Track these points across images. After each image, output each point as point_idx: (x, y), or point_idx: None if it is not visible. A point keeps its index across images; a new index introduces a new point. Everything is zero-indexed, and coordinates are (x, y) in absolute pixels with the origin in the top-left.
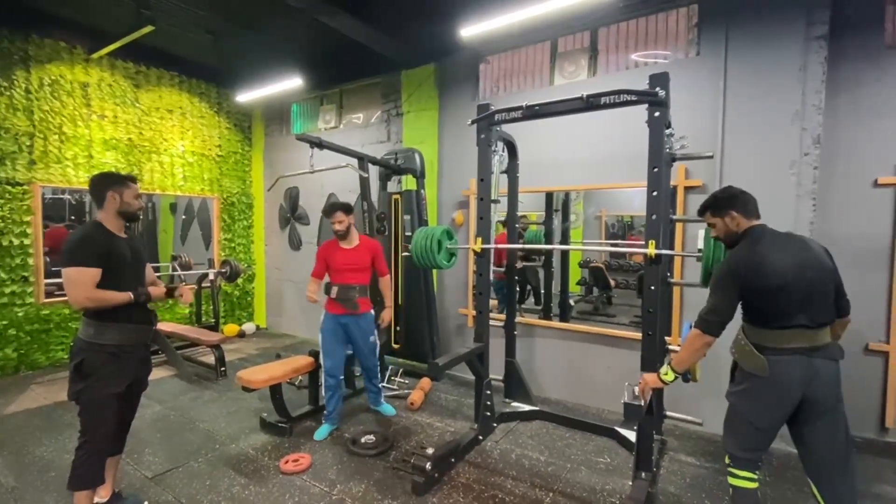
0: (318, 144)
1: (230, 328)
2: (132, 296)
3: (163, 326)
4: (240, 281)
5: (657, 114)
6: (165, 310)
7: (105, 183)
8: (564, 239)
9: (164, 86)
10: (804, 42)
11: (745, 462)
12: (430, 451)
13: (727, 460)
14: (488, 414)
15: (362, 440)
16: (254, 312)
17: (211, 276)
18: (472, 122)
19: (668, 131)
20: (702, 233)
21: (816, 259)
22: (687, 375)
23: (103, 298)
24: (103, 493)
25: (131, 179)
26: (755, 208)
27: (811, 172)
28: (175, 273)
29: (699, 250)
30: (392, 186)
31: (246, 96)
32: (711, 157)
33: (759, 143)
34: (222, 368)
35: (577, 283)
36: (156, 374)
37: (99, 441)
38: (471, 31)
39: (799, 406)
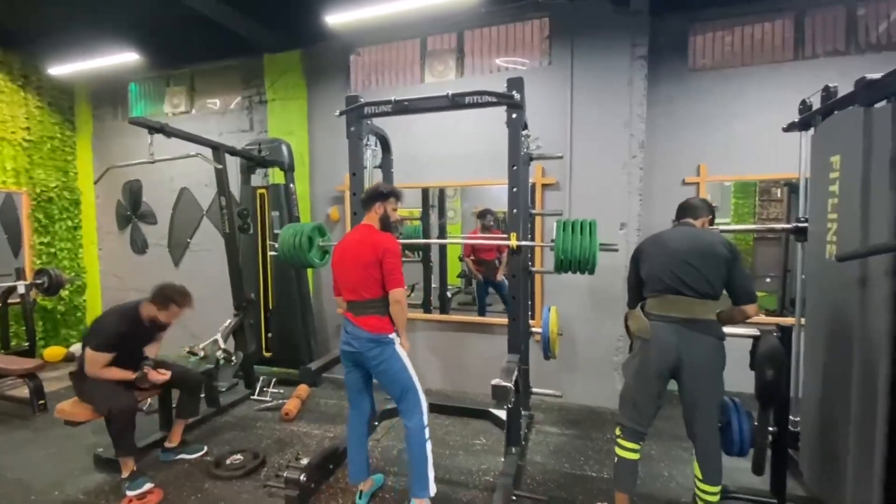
0: (160, 130)
1: (53, 351)
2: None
3: None
4: (65, 293)
5: (514, 115)
6: None
7: None
8: (441, 234)
9: None
10: (630, 60)
11: (632, 432)
12: (304, 461)
13: (618, 431)
14: None
15: (227, 461)
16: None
17: (21, 290)
18: (340, 114)
19: (524, 132)
20: (555, 225)
21: (702, 242)
22: (548, 353)
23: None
24: None
25: None
26: (682, 211)
27: (638, 172)
28: None
29: (552, 241)
30: (257, 180)
31: (64, 69)
32: (561, 157)
33: (599, 146)
34: (40, 402)
35: (458, 276)
36: None
37: None
38: (337, 18)
39: (678, 370)
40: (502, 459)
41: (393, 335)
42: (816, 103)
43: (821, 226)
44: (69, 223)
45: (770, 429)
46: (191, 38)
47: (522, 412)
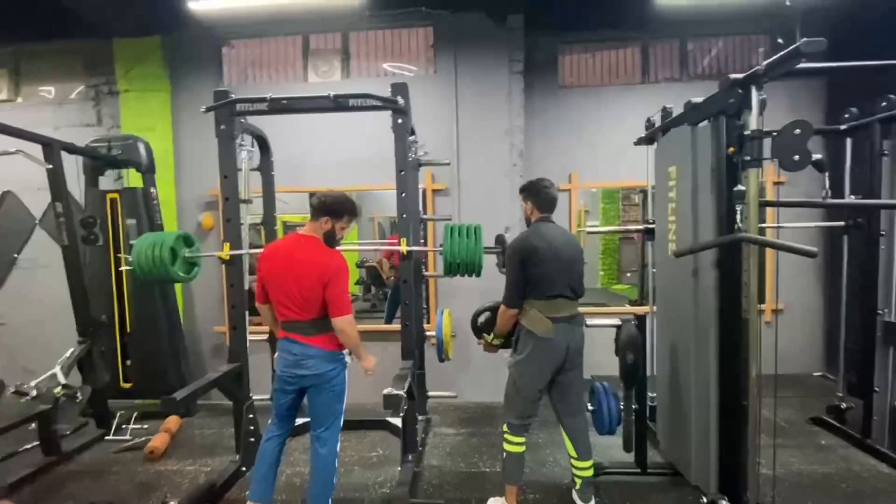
0: None
1: None
2: None
3: None
4: None
5: (400, 121)
6: None
7: None
8: None
9: None
10: (509, 74)
11: (519, 428)
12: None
13: (505, 428)
14: (252, 440)
15: None
16: None
17: None
18: (207, 110)
19: (412, 138)
20: (444, 230)
21: (575, 247)
22: (442, 356)
23: None
24: None
25: None
26: (549, 206)
27: (518, 179)
28: None
29: (440, 245)
30: (108, 184)
31: None
32: (448, 164)
33: (483, 154)
34: None
35: (356, 283)
36: None
37: None
38: (202, 5)
39: (563, 361)
40: (399, 469)
41: (345, 352)
42: (659, 121)
43: (664, 226)
44: None
45: (633, 406)
46: (16, 11)
47: (419, 417)
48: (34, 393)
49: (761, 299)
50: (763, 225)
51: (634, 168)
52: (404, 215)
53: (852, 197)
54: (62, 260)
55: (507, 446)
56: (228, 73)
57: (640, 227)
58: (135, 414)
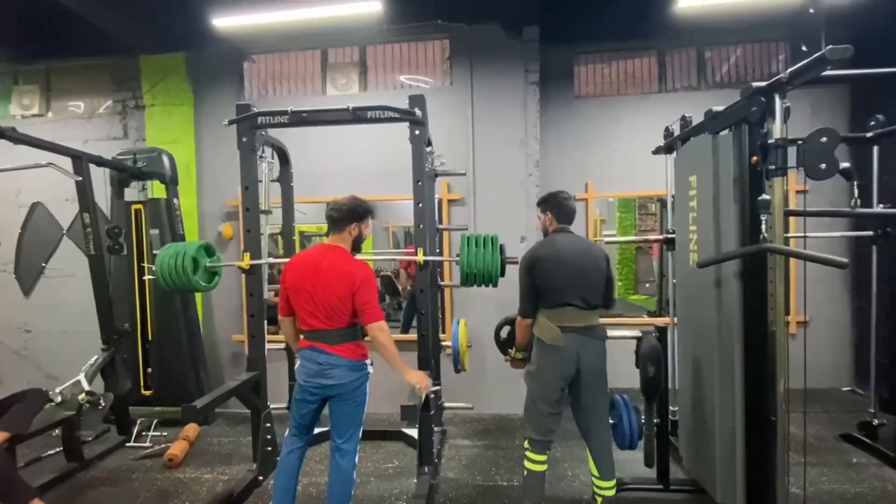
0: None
1: None
2: None
3: None
4: None
5: (417, 132)
6: None
7: None
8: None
9: None
10: (524, 85)
11: (540, 445)
12: None
13: (526, 444)
14: (269, 449)
15: None
16: None
17: None
18: (230, 123)
19: (428, 149)
20: (460, 240)
21: (591, 256)
22: (458, 366)
23: None
24: None
25: None
26: (569, 217)
27: (534, 189)
28: None
29: (457, 255)
30: (133, 195)
31: None
32: (465, 174)
33: (499, 164)
34: None
35: None
36: None
37: None
38: (226, 22)
39: (577, 375)
40: (415, 481)
41: (368, 362)
42: (677, 130)
43: (684, 236)
44: None
45: (654, 420)
46: (47, 30)
47: (435, 428)
48: (59, 399)
49: (786, 310)
50: (788, 234)
51: (651, 177)
52: (421, 225)
53: (880, 206)
54: (88, 269)
55: (527, 464)
56: (249, 87)
57: (660, 237)
58: (154, 421)
